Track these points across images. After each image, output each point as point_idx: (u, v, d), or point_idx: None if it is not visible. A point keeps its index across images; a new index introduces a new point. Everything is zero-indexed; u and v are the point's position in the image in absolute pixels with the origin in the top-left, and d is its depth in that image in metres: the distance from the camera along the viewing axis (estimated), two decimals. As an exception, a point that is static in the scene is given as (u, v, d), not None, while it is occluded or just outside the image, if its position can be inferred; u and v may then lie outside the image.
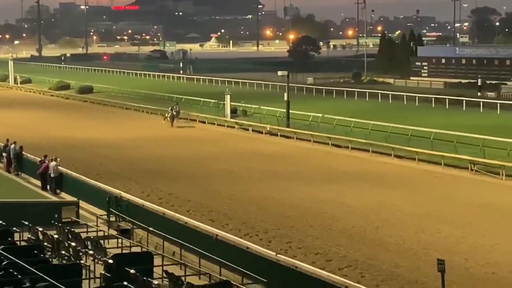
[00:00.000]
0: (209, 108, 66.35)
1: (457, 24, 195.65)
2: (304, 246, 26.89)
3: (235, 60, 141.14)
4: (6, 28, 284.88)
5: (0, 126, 57.98)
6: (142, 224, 27.70)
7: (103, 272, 20.43)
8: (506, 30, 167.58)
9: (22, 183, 38.25)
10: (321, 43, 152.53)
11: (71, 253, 22.48)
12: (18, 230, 25.49)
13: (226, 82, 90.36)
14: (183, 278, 20.27)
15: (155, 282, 19.25)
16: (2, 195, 33.41)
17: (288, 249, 26.47)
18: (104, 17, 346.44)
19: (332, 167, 42.75)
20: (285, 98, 57.14)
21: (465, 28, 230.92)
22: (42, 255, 21.59)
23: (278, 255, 22.69)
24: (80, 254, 22.57)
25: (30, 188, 36.86)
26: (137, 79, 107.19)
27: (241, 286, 20.48)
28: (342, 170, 41.66)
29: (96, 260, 22.10)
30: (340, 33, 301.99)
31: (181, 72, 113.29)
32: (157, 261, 22.12)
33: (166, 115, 61.08)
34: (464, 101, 65.29)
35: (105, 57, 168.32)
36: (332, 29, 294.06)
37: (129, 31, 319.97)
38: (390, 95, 72.02)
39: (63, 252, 22.75)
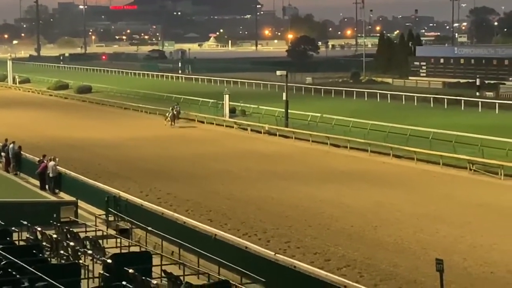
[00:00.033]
0: (208, 108, 66.34)
1: (456, 24, 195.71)
2: (302, 246, 26.89)
3: (233, 60, 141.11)
4: (4, 28, 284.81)
5: (-2, 126, 57.97)
6: (140, 224, 27.71)
7: (101, 271, 20.44)
8: (505, 30, 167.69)
9: (21, 182, 38.25)
10: (319, 43, 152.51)
11: (70, 252, 22.49)
12: (17, 230, 25.49)
13: (225, 82, 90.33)
14: (181, 277, 20.29)
15: (154, 281, 19.27)
16: (0, 195, 33.44)
17: (287, 248, 26.48)
18: (103, 17, 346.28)
19: (330, 166, 42.76)
20: (284, 98, 57.13)
21: (463, 28, 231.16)
22: (40, 255, 21.60)
23: (276, 254, 22.71)
24: (79, 253, 22.58)
25: (29, 187, 36.87)
26: (136, 79, 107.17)
27: (239, 285, 20.49)
28: (341, 170, 41.67)
29: (94, 260, 22.11)
30: (339, 33, 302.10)
31: (180, 72, 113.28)
32: (155, 260, 22.12)
33: (167, 115, 60.93)
34: (462, 100, 65.32)
35: (103, 57, 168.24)
36: (330, 29, 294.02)
37: (128, 31, 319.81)
38: (388, 95, 72.05)
39: (61, 251, 22.76)
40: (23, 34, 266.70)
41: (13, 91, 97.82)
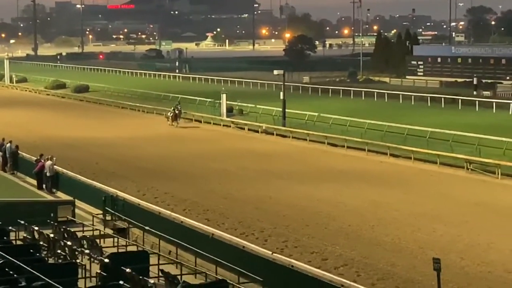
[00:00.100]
0: (205, 107, 66.31)
1: (453, 23, 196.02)
2: (300, 245, 26.90)
3: (231, 59, 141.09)
4: (1, 27, 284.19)
5: (-5, 125, 57.90)
6: (138, 223, 27.68)
7: (99, 271, 20.42)
8: (502, 29, 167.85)
9: (18, 182, 38.20)
10: (317, 42, 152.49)
11: (67, 252, 22.47)
12: (14, 229, 25.46)
13: (222, 81, 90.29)
14: (179, 277, 20.29)
15: (151, 281, 19.26)
16: (-3, 194, 33.39)
17: (284, 248, 26.49)
18: (100, 16, 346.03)
19: (328, 166, 42.77)
20: (281, 97, 57.14)
21: (461, 27, 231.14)
22: (38, 254, 21.58)
23: (274, 254, 22.71)
24: (76, 253, 22.56)
25: (26, 187, 36.82)
26: (133, 78, 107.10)
27: (237, 285, 20.48)
28: (338, 169, 41.68)
29: (92, 259, 22.08)
30: (336, 32, 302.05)
31: (177, 71, 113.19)
32: (153, 260, 22.12)
33: (169, 114, 60.62)
34: (459, 100, 65.34)
35: (101, 56, 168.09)
36: (328, 28, 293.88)
37: (125, 30, 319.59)
38: (386, 94, 72.05)
39: (59, 251, 22.73)
40: (20, 33, 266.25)
41: (10, 90, 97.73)
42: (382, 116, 56.23)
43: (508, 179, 37.70)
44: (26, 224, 25.77)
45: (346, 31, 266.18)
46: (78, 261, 21.45)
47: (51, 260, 22.21)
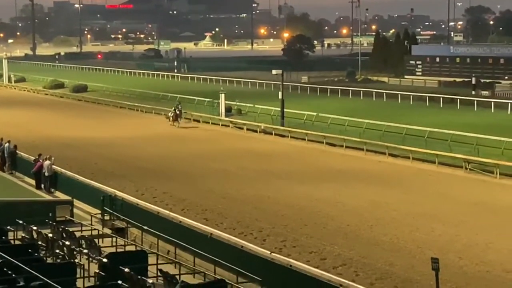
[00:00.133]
0: (204, 107, 66.29)
1: (452, 23, 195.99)
2: (298, 245, 26.90)
3: (229, 59, 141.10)
4: (0, 27, 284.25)
5: (-6, 125, 57.87)
6: (136, 223, 27.68)
7: (97, 270, 20.42)
8: (500, 28, 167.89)
9: (16, 182, 38.18)
10: (315, 42, 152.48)
11: (66, 252, 22.47)
12: (12, 229, 25.47)
13: (221, 81, 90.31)
14: (177, 277, 20.29)
15: (150, 281, 19.27)
16: (-4, 194, 33.38)
17: (283, 247, 26.49)
18: (99, 15, 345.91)
19: (326, 165, 42.77)
20: (280, 97, 57.14)
21: (459, 26, 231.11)
22: (36, 254, 21.58)
23: (272, 253, 22.71)
24: (75, 253, 22.56)
25: (24, 187, 36.81)
26: (132, 78, 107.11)
27: (235, 285, 20.48)
28: (337, 168, 41.69)
29: (90, 259, 22.08)
30: (335, 31, 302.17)
31: (176, 71, 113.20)
32: (151, 259, 22.12)
33: (170, 114, 60.34)
34: (458, 99, 65.35)
35: (99, 56, 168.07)
36: (326, 27, 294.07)
37: (124, 30, 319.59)
38: (384, 94, 72.08)
39: (57, 251, 22.73)
40: (18, 33, 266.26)
41: (8, 90, 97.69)
42: (380, 115, 56.24)
43: (506, 179, 37.72)
44: (24, 223, 25.78)
45: (344, 31, 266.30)
46: (76, 260, 21.46)
47: (49, 260, 22.20)
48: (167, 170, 41.67)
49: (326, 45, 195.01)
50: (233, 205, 33.08)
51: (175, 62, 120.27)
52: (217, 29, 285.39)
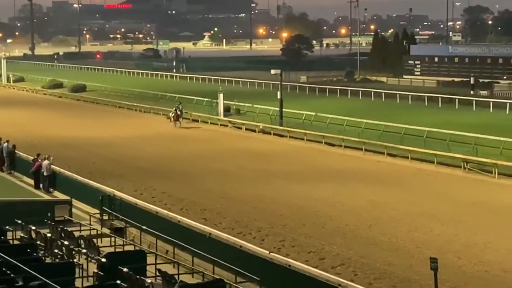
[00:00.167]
0: (202, 106, 66.30)
1: (450, 23, 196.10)
2: (297, 245, 26.90)
3: (228, 59, 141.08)
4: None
5: (-8, 124, 57.84)
6: (135, 223, 27.68)
7: (96, 270, 20.43)
8: (499, 28, 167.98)
9: (15, 181, 38.18)
10: (314, 42, 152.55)
11: (64, 251, 22.47)
12: (11, 229, 25.47)
13: (219, 80, 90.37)
14: (176, 276, 20.29)
15: (148, 280, 19.27)
16: (-5, 194, 33.37)
17: (281, 247, 26.49)
18: (97, 15, 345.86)
19: (325, 165, 42.77)
20: (278, 97, 57.12)
21: (458, 26, 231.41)
22: (35, 254, 21.59)
23: (271, 253, 22.71)
24: (73, 252, 22.56)
25: (23, 186, 36.81)
26: (130, 78, 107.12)
27: (234, 284, 20.49)
28: (335, 168, 41.69)
29: (89, 259, 22.09)
30: (333, 31, 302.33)
31: (174, 70, 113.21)
32: (150, 259, 22.13)
33: (171, 115, 59.99)
34: (456, 99, 65.43)
35: (98, 56, 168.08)
36: (325, 27, 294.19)
37: (122, 29, 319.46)
38: (383, 94, 72.12)
39: (56, 250, 22.73)
40: (17, 33, 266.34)
41: (7, 90, 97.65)
42: (379, 115, 56.27)
43: (505, 179, 37.73)
44: (23, 223, 25.78)
45: (343, 31, 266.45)
46: (75, 260, 21.47)
47: (48, 260, 22.21)
48: (166, 169, 41.66)
49: (324, 45, 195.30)
50: (232, 205, 33.08)
51: (174, 62, 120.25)
52: (215, 29, 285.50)
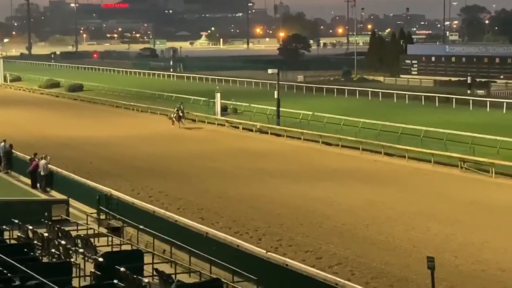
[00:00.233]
0: (200, 106, 66.29)
1: (447, 22, 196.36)
2: (294, 244, 26.91)
3: (225, 58, 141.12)
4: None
5: (-11, 124, 57.81)
6: (132, 222, 27.67)
7: (93, 270, 20.42)
8: (496, 28, 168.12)
9: (12, 181, 38.16)
10: (311, 41, 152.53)
11: (61, 251, 22.47)
12: (8, 228, 25.46)
13: (216, 80, 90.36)
14: (173, 276, 20.30)
15: (145, 280, 19.27)
16: (-9, 193, 33.34)
17: (279, 247, 26.50)
18: (94, 15, 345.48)
19: (322, 165, 42.78)
20: (275, 96, 57.14)
21: (455, 26, 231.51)
22: (32, 253, 21.59)
23: (268, 253, 22.73)
24: (70, 252, 22.55)
25: (20, 186, 36.79)
26: (127, 77, 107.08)
27: (231, 284, 20.50)
28: (332, 168, 41.70)
29: (86, 258, 22.08)
30: (330, 31, 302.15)
31: (171, 70, 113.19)
32: (147, 259, 22.13)
33: (172, 115, 59.71)
34: (454, 99, 65.47)
35: (95, 55, 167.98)
36: (322, 27, 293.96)
37: (119, 29, 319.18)
38: (380, 93, 72.15)
39: (53, 250, 22.73)
40: (14, 32, 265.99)
41: (4, 89, 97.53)
42: (376, 115, 56.30)
43: (502, 178, 37.76)
44: (20, 223, 25.76)
45: (340, 30, 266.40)
46: (72, 260, 21.46)
47: (45, 259, 22.22)
48: (163, 169, 41.65)
49: (321, 45, 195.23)
50: (229, 204, 33.09)
51: (171, 62, 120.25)
52: (212, 29, 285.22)
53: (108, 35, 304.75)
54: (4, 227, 25.22)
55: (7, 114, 67.63)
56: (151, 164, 43.17)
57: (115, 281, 18.33)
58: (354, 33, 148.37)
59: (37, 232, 24.52)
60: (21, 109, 72.47)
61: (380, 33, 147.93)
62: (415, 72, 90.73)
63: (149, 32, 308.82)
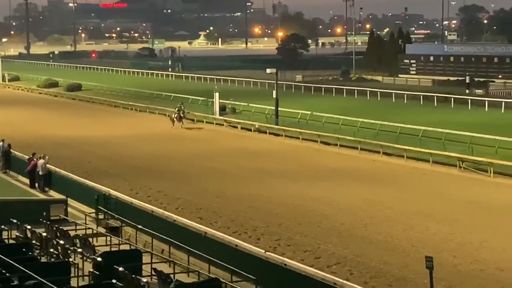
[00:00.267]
0: (198, 106, 66.28)
1: (445, 22, 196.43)
2: (293, 244, 26.91)
3: (223, 58, 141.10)
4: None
5: (-12, 124, 57.78)
6: (131, 222, 27.65)
7: (91, 270, 20.41)
8: (494, 27, 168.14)
9: (11, 181, 38.16)
10: (309, 41, 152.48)
11: (60, 251, 22.45)
12: (6, 228, 25.45)
13: (215, 79, 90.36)
14: (172, 275, 20.29)
15: (144, 280, 19.27)
16: (-10, 193, 33.32)
17: (277, 246, 26.49)
18: (93, 14, 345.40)
19: (321, 164, 42.78)
20: (274, 96, 57.12)
21: (453, 25, 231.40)
22: (30, 253, 21.57)
23: (267, 252, 22.73)
24: (69, 252, 22.55)
25: (19, 186, 36.79)
26: (126, 77, 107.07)
27: (230, 283, 20.48)
28: (331, 167, 41.70)
29: (84, 258, 22.08)
30: (329, 30, 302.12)
31: (170, 70, 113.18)
32: (146, 259, 22.12)
33: (173, 116, 59.51)
34: (452, 98, 65.46)
35: (93, 55, 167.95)
36: (320, 26, 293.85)
37: (118, 28, 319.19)
38: (378, 93, 72.17)
39: (51, 250, 22.72)
40: (12, 32, 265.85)
41: (2, 89, 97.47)
42: (374, 114, 56.30)
43: (500, 177, 37.77)
44: (18, 223, 25.74)
45: (338, 30, 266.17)
46: (70, 260, 21.46)
47: (43, 259, 22.19)
48: (162, 169, 41.64)
49: (320, 44, 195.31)
50: (228, 204, 33.08)
51: (169, 61, 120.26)
52: (211, 28, 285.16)
53: (107, 35, 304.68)
54: (2, 227, 25.21)
55: (5, 114, 67.61)
56: (149, 163, 43.16)
57: (114, 281, 18.33)
58: (353, 32, 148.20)
59: (35, 232, 24.50)
60: (19, 109, 72.45)
61: (378, 32, 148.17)
62: (414, 72, 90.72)
63: (147, 32, 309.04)
